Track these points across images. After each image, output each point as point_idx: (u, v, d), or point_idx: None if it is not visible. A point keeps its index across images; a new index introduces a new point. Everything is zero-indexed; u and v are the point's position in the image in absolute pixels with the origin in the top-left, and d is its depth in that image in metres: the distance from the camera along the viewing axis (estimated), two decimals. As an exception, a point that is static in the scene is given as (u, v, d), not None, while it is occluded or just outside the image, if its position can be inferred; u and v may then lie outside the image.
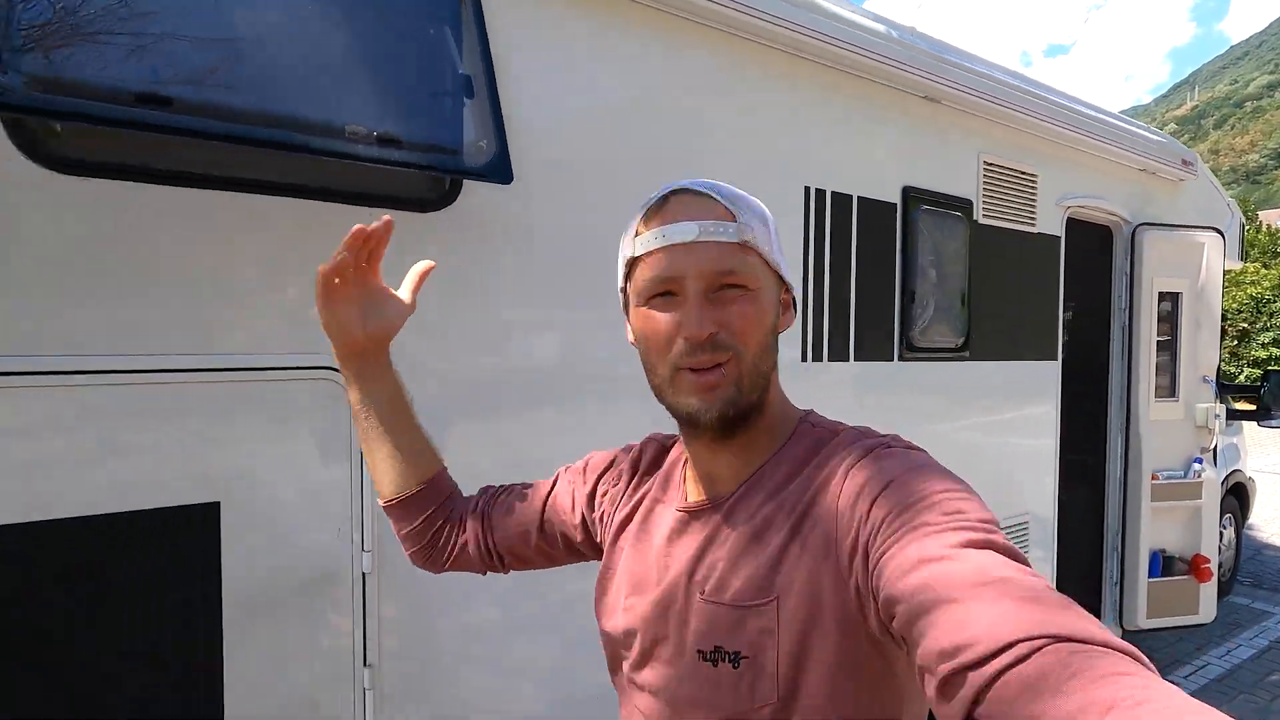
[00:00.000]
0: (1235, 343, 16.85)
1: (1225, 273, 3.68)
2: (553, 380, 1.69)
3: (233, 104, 1.13)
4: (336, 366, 1.38)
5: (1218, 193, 4.04)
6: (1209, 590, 3.44)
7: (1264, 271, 18.14)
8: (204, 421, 1.29)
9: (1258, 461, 5.36)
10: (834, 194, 2.21)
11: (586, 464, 0.93)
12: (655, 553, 0.78)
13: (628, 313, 0.77)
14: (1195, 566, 3.40)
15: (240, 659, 1.32)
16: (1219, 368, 3.60)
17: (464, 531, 0.94)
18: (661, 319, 0.69)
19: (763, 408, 0.72)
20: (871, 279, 2.32)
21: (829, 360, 2.22)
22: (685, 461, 0.81)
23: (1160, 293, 3.36)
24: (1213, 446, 3.48)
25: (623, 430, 1.28)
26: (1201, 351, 3.44)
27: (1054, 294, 3.02)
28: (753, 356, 0.69)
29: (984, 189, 2.67)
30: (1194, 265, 3.42)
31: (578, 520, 0.90)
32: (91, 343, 1.19)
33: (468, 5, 1.43)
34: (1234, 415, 4.33)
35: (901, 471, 0.62)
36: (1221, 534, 4.39)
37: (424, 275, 0.93)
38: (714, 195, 0.72)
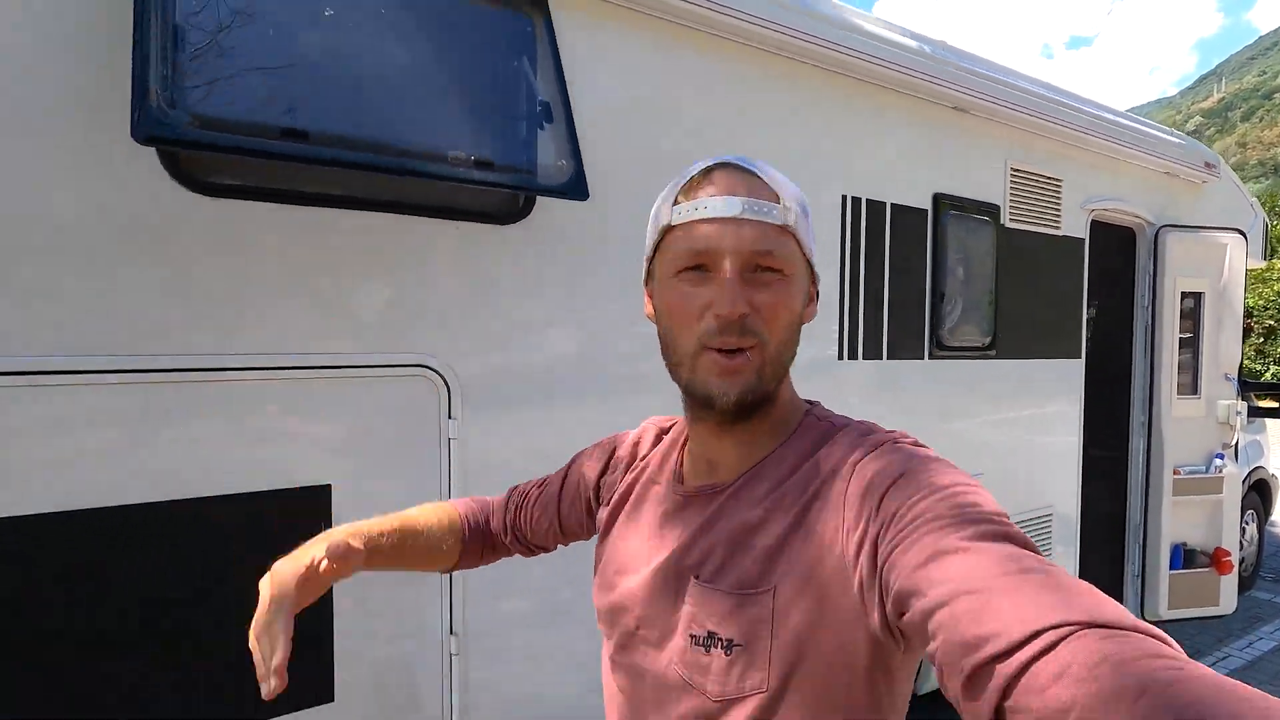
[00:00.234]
0: (1262, 340, 16.66)
1: (1248, 271, 3.76)
2: (616, 373, 1.85)
3: (355, 135, 1.29)
4: (429, 364, 1.55)
5: (1240, 193, 4.11)
6: (1230, 582, 3.53)
7: (1292, 268, 17.91)
8: (319, 412, 1.46)
9: (1281, 459, 5.41)
10: (869, 201, 2.34)
11: (595, 449, 0.93)
12: (648, 532, 0.77)
13: (649, 284, 0.74)
14: (1216, 559, 3.49)
15: (347, 625, 1.48)
16: (1241, 365, 3.68)
17: (507, 537, 0.99)
18: (692, 293, 0.67)
19: (774, 398, 0.71)
20: (904, 281, 2.45)
21: (864, 358, 2.35)
22: (684, 443, 0.80)
23: (1183, 293, 3.44)
24: (1234, 443, 3.56)
25: (676, 407, 1.43)
26: (1223, 349, 3.52)
27: (1078, 294, 3.13)
28: (777, 345, 0.68)
29: (1011, 194, 2.79)
30: (1216, 265, 3.50)
31: (583, 507, 0.91)
32: (225, 342, 1.35)
33: (544, 40, 1.59)
34: (1257, 413, 4.39)
35: (910, 466, 0.60)
36: (1244, 529, 4.46)
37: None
38: (759, 174, 0.69)
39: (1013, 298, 2.81)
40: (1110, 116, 3.11)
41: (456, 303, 1.60)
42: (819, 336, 2.24)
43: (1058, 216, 2.99)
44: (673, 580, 0.72)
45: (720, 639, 0.65)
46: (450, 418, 1.58)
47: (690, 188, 0.69)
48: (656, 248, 0.72)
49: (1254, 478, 4.53)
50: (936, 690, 2.25)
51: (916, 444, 0.66)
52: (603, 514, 0.85)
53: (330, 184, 1.40)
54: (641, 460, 0.85)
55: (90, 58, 1.20)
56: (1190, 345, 3.51)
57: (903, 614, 0.53)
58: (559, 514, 0.93)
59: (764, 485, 0.69)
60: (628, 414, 1.87)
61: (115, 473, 1.26)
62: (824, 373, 2.26)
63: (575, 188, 1.51)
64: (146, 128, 1.08)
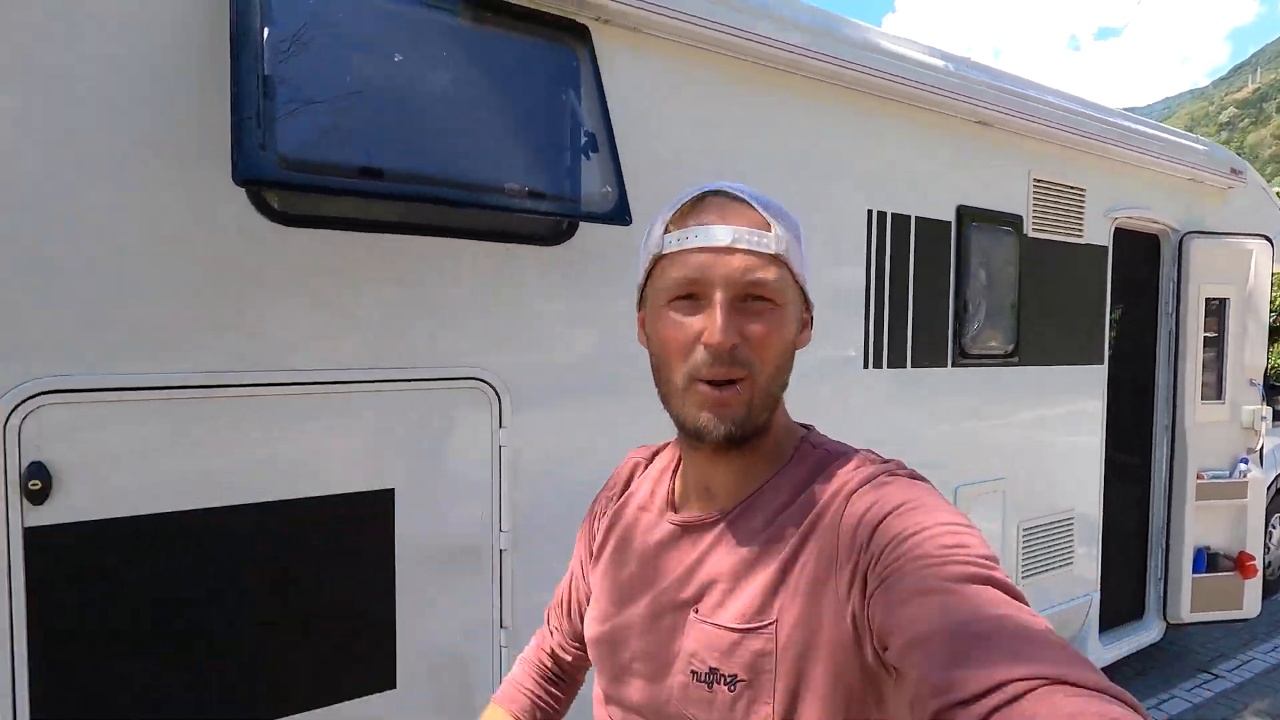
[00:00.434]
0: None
1: (1276, 275, 3.76)
2: (644, 376, 1.95)
3: (422, 171, 1.41)
4: (481, 376, 1.67)
5: (1268, 197, 4.10)
6: (1254, 586, 3.55)
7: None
8: (383, 422, 1.58)
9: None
10: (894, 215, 2.42)
11: (591, 505, 0.91)
12: (641, 562, 0.76)
13: (641, 310, 0.74)
14: (1240, 563, 3.51)
15: (408, 616, 1.61)
16: (1267, 370, 3.69)
17: (570, 655, 0.94)
18: (683, 323, 0.67)
19: (768, 426, 0.70)
20: (927, 291, 2.52)
21: (888, 367, 2.43)
22: (675, 471, 0.79)
23: (1207, 298, 3.47)
24: (1259, 448, 3.58)
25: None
26: (1249, 355, 3.54)
27: (1101, 301, 3.17)
28: (768, 377, 0.67)
29: (1034, 204, 2.85)
30: (1242, 272, 3.51)
31: (584, 581, 0.88)
32: (300, 358, 1.48)
33: (588, 72, 1.70)
34: (1283, 417, 4.39)
35: (903, 501, 0.61)
36: (1270, 533, 4.46)
37: None
38: (751, 202, 0.68)
39: (1035, 306, 2.87)
40: (1133, 126, 3.15)
41: (506, 319, 1.72)
42: (844, 345, 2.33)
43: (1080, 225, 3.04)
44: (670, 613, 0.71)
45: (723, 675, 0.65)
46: (501, 426, 1.70)
47: (681, 216, 0.69)
48: (648, 275, 0.71)
49: (1280, 482, 4.52)
50: None
51: (913, 476, 0.67)
52: (594, 553, 0.84)
53: (394, 213, 1.53)
54: (627, 489, 0.85)
55: (188, 107, 1.34)
56: (1215, 349, 3.53)
57: (885, 648, 0.54)
58: (579, 619, 0.89)
59: (761, 516, 0.69)
60: (663, 420, 1.98)
61: (207, 478, 1.39)
62: (849, 380, 2.35)
63: (619, 214, 1.62)
64: (245, 171, 1.20)
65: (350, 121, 1.36)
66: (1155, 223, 3.39)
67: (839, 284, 2.32)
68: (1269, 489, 4.03)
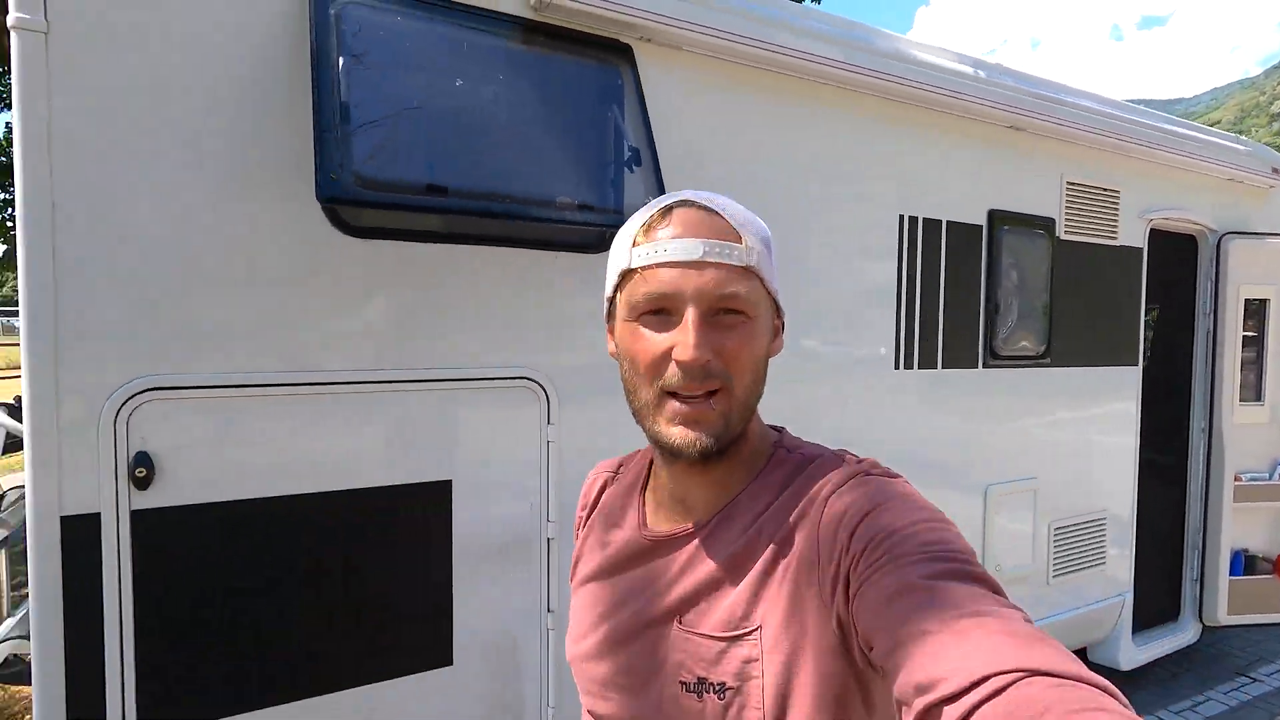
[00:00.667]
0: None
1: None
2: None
3: (482, 188, 1.53)
4: (531, 376, 1.78)
5: (1314, 195, 4.03)
6: (1294, 590, 3.51)
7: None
8: (442, 418, 1.71)
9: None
10: (925, 220, 2.48)
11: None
12: (618, 579, 0.76)
13: (611, 323, 0.73)
14: (1278, 566, 3.48)
15: (464, 599, 1.73)
16: (1310, 372, 3.64)
17: None
18: (653, 338, 0.66)
19: (744, 436, 0.70)
20: (958, 294, 2.58)
21: (919, 367, 2.49)
22: (646, 484, 0.79)
23: (1246, 300, 3.44)
24: (1300, 450, 3.54)
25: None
26: (1290, 356, 3.50)
27: (1135, 303, 3.18)
28: (744, 389, 0.66)
29: (1067, 207, 2.87)
30: (1283, 272, 3.48)
31: None
32: (369, 359, 1.61)
33: (631, 90, 1.80)
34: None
35: (880, 501, 0.61)
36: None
37: None
38: (720, 213, 0.67)
39: (1068, 307, 2.90)
40: (1169, 127, 3.14)
41: (553, 322, 1.83)
42: (875, 346, 2.40)
43: (1115, 227, 3.05)
44: (653, 626, 0.71)
45: (712, 684, 0.65)
46: (549, 423, 1.82)
47: (649, 228, 0.67)
48: (617, 288, 0.70)
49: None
50: None
51: (887, 474, 0.68)
52: (572, 571, 0.84)
53: (453, 225, 1.65)
54: (597, 506, 0.85)
55: (271, 137, 1.48)
56: (1255, 351, 3.50)
57: (870, 648, 0.55)
58: None
59: (739, 524, 0.69)
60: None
61: (287, 467, 1.53)
62: (880, 380, 2.41)
63: (661, 224, 1.72)
64: (326, 190, 1.33)
65: (416, 141, 1.49)
66: (1192, 223, 3.37)
67: (870, 287, 2.39)
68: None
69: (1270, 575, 3.48)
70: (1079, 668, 0.45)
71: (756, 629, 0.64)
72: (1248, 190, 3.58)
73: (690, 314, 0.64)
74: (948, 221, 2.54)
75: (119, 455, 1.38)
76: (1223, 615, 3.46)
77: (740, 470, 0.71)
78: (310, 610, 1.56)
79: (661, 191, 1.75)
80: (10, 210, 8.55)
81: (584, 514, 0.87)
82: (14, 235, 8.12)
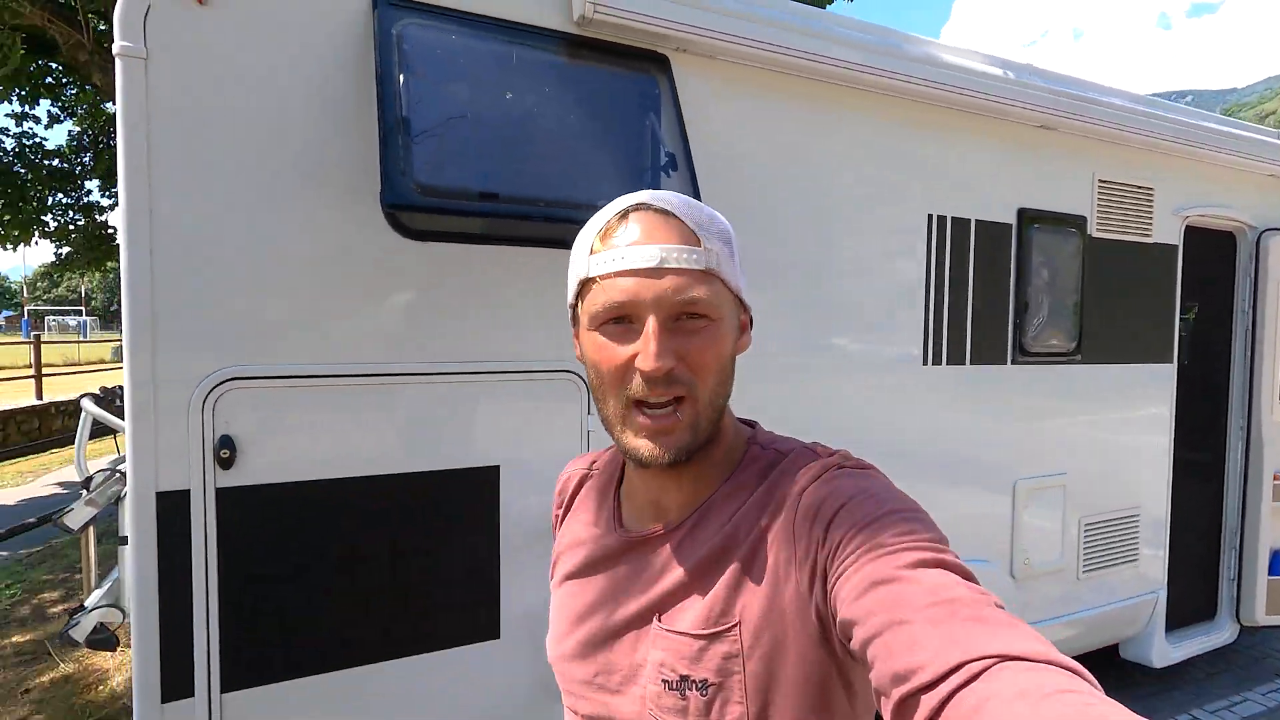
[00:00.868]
0: None
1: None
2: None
3: (529, 193, 1.65)
4: (572, 369, 1.89)
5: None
6: (1336, 591, 3.46)
7: None
8: (492, 408, 1.83)
9: None
10: (954, 219, 2.53)
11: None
12: (595, 579, 0.76)
13: (575, 328, 0.72)
14: (1320, 567, 3.43)
15: (510, 576, 1.85)
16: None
17: None
18: (616, 348, 0.66)
19: (717, 436, 0.70)
20: (987, 291, 2.62)
21: (947, 364, 2.55)
22: (621, 482, 0.80)
23: (1287, 297, 3.40)
24: (1344, 449, 3.48)
25: (774, 406, 1.71)
26: (1334, 354, 3.45)
27: (1169, 300, 3.17)
28: (710, 392, 0.66)
29: (1099, 205, 2.89)
30: (1326, 269, 3.42)
31: None
32: (427, 353, 1.74)
33: (668, 98, 1.90)
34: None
35: (854, 493, 0.62)
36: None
37: None
38: (677, 214, 0.66)
39: (1099, 305, 2.91)
40: (1204, 124, 3.13)
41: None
42: (904, 343, 2.46)
43: (1149, 224, 3.06)
44: (632, 625, 0.71)
45: (694, 681, 0.66)
46: (589, 413, 1.93)
47: (607, 234, 0.67)
48: (578, 295, 0.69)
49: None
50: None
51: (860, 465, 0.68)
52: (550, 571, 0.85)
53: (503, 228, 1.77)
54: (572, 505, 0.85)
55: (338, 149, 1.61)
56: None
57: (848, 639, 0.56)
58: None
59: (716, 522, 0.69)
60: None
61: (354, 451, 1.67)
62: (908, 377, 2.47)
63: (696, 225, 1.83)
64: (391, 198, 1.46)
65: (470, 150, 1.61)
66: (1231, 220, 3.35)
67: (899, 285, 2.45)
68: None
69: (1310, 575, 3.44)
70: (1050, 651, 0.46)
71: (736, 624, 0.65)
72: (1290, 186, 3.53)
73: (651, 322, 0.64)
74: (976, 220, 2.59)
75: (206, 438, 1.53)
76: (1260, 615, 3.43)
77: (714, 470, 0.72)
78: (370, 583, 1.70)
79: (697, 193, 1.85)
80: (70, 214, 8.99)
81: (560, 512, 0.87)
82: (76, 239, 8.50)
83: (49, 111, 8.40)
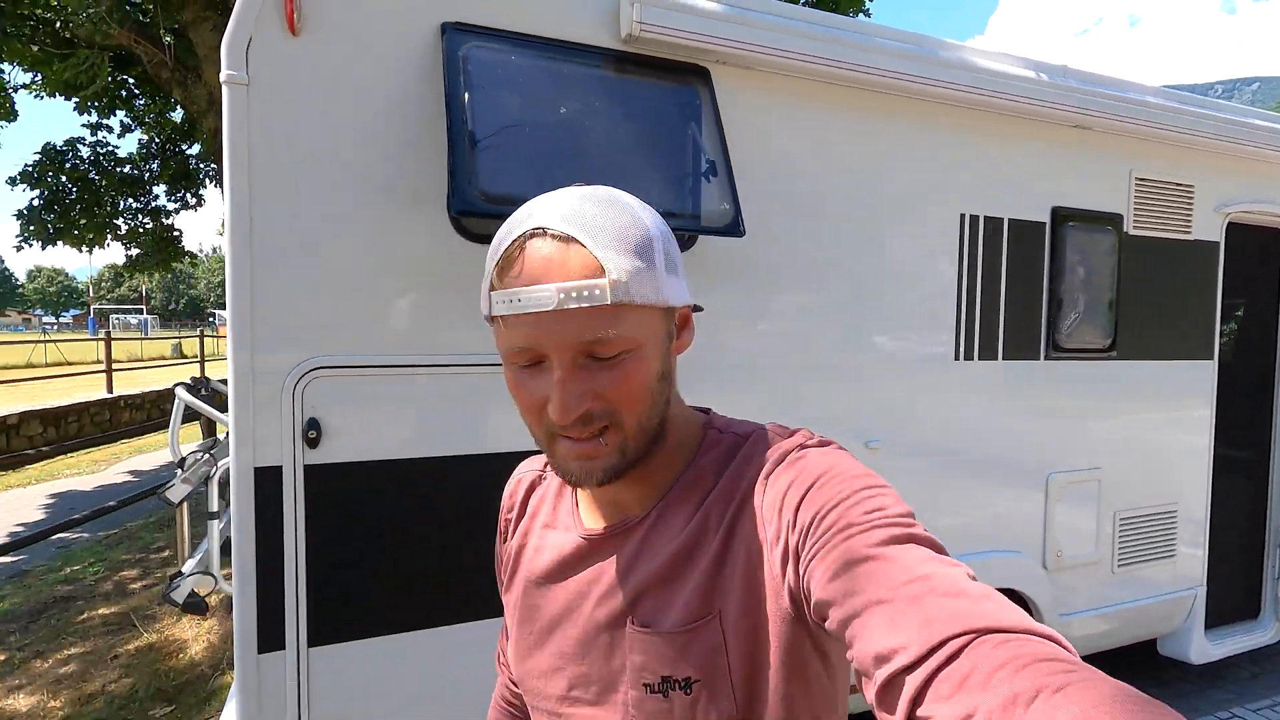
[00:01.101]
0: None
1: None
2: (757, 365, 2.27)
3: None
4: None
5: None
6: (1387, 593, 3.40)
7: None
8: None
9: None
10: (986, 218, 2.60)
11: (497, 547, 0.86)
12: (559, 586, 0.73)
13: None
14: (1370, 568, 3.38)
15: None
16: None
17: None
18: (530, 385, 0.62)
19: (661, 436, 0.67)
20: (1020, 288, 2.68)
21: (979, 359, 2.62)
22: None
23: (1336, 293, 3.35)
24: (1396, 449, 3.42)
25: (813, 400, 1.84)
26: (1386, 352, 3.39)
27: (1210, 297, 3.17)
28: (635, 420, 0.63)
29: (1135, 202, 2.91)
30: (1377, 265, 3.37)
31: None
32: (487, 345, 1.91)
33: (709, 108, 2.03)
34: None
35: (821, 473, 0.61)
36: None
37: None
38: (579, 237, 0.59)
39: (1136, 301, 2.94)
40: (1249, 121, 3.12)
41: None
42: (936, 340, 2.54)
43: (1188, 222, 3.06)
44: (603, 632, 0.68)
45: (676, 681, 0.64)
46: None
47: (504, 268, 0.60)
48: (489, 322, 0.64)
49: None
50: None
51: (822, 443, 0.67)
52: (502, 578, 0.82)
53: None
54: (526, 510, 0.81)
55: (410, 159, 1.79)
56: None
57: (824, 620, 0.55)
58: None
59: (681, 514, 0.67)
60: (766, 404, 2.29)
61: (426, 434, 1.84)
62: (941, 372, 2.56)
63: (733, 229, 1.95)
64: (459, 205, 1.63)
65: (528, 160, 1.77)
66: (1276, 216, 3.32)
67: (930, 283, 2.54)
68: None
69: (1359, 576, 3.39)
70: (1027, 621, 0.47)
71: (715, 616, 0.63)
72: (1340, 181, 3.47)
73: (556, 366, 0.60)
74: (1010, 219, 2.65)
75: (295, 420, 1.72)
76: (1306, 615, 3.40)
77: (668, 462, 0.69)
78: (439, 552, 1.87)
79: (735, 200, 1.98)
80: (139, 217, 9.53)
81: (510, 517, 0.83)
82: (145, 241, 8.98)
83: (121, 121, 8.94)
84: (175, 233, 9.71)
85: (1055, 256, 2.75)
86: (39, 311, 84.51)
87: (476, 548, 1.91)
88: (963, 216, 2.57)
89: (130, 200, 9.27)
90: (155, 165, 9.30)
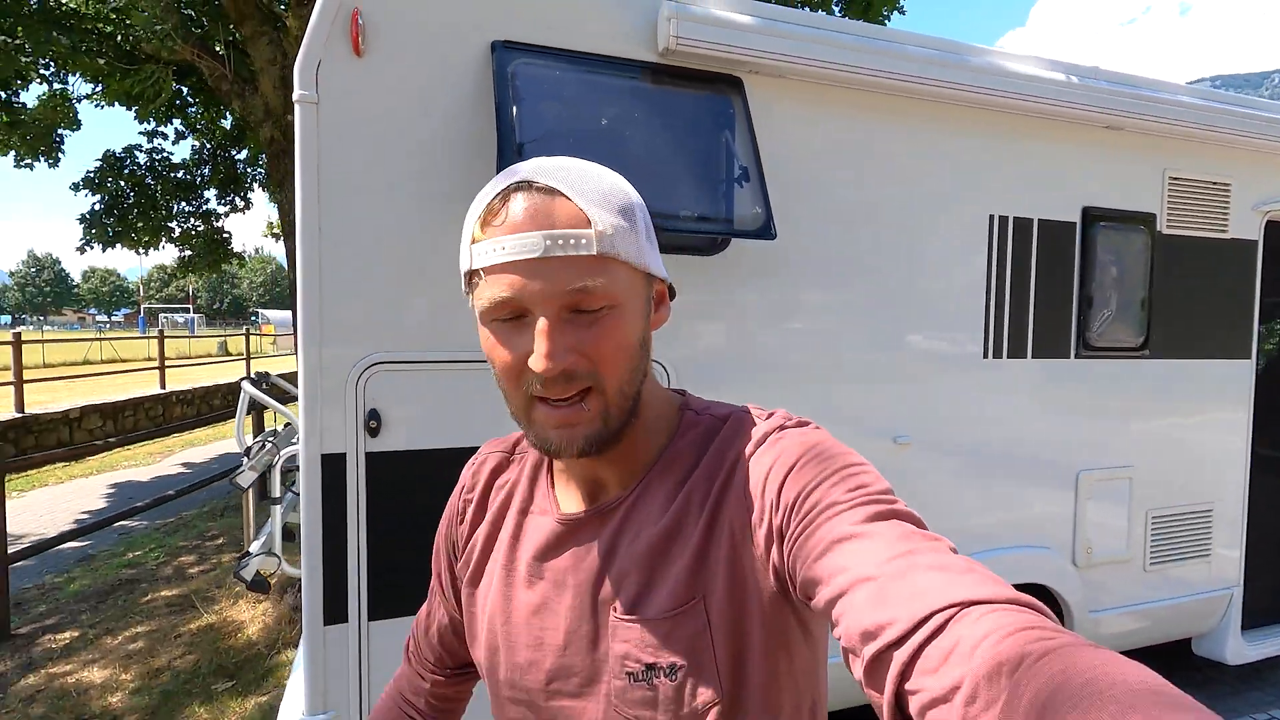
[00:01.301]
0: None
1: None
2: (788, 367, 2.36)
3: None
4: (659, 360, 2.14)
5: None
6: None
7: None
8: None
9: None
10: (1015, 219, 2.65)
11: (444, 515, 0.84)
12: (535, 573, 0.71)
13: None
14: None
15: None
16: None
17: (438, 690, 0.91)
18: (508, 345, 0.61)
19: (637, 411, 0.65)
20: (1050, 287, 2.72)
21: (1008, 357, 2.67)
22: (553, 463, 0.74)
23: (1381, 292, 3.30)
24: None
25: (843, 398, 1.92)
26: None
27: (1247, 295, 3.15)
28: (617, 382, 0.62)
29: (1169, 202, 2.92)
30: None
31: (452, 595, 0.83)
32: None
33: (741, 115, 2.13)
34: None
35: (801, 453, 0.61)
36: None
37: None
38: (565, 193, 0.59)
39: (1169, 300, 2.94)
40: (1286, 118, 3.09)
41: (674, 314, 2.18)
42: (966, 339, 2.60)
43: (1225, 220, 3.05)
44: (587, 619, 0.67)
45: (661, 668, 0.63)
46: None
47: (487, 219, 0.60)
48: (467, 285, 0.63)
49: None
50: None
51: (800, 424, 0.66)
52: (465, 565, 0.78)
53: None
54: (490, 492, 0.78)
55: (460, 170, 1.92)
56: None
57: (810, 598, 0.56)
58: (451, 626, 0.86)
59: (660, 496, 0.66)
60: (798, 396, 2.38)
61: (474, 424, 1.98)
62: (970, 370, 2.61)
63: (765, 231, 2.05)
64: (509, 212, 1.75)
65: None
66: (1318, 214, 3.28)
67: (960, 282, 2.59)
68: None
69: (1404, 579, 3.33)
70: (1009, 591, 0.47)
71: (699, 600, 0.63)
72: (1388, 177, 3.41)
73: (540, 321, 0.59)
74: (1040, 220, 2.69)
75: (358, 411, 1.87)
76: (1348, 618, 3.35)
77: (645, 442, 0.68)
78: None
79: (767, 204, 2.07)
80: (192, 220, 9.95)
81: (470, 498, 0.80)
82: (197, 243, 9.38)
83: (175, 129, 9.35)
84: (225, 235, 10.12)
85: (1085, 256, 2.77)
86: (93, 310, 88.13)
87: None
88: (991, 217, 2.61)
89: (183, 204, 9.70)
90: (206, 170, 9.71)
